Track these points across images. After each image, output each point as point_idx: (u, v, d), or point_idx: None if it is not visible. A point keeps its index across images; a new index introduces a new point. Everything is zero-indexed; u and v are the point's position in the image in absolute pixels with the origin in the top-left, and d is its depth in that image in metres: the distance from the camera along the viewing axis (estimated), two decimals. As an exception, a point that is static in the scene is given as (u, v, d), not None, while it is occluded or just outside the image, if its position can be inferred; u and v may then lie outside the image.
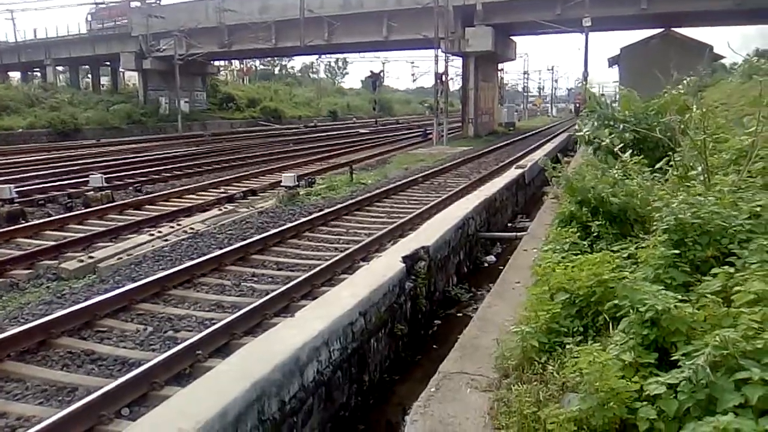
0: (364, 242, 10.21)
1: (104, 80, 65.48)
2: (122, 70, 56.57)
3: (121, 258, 9.77)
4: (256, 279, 8.68)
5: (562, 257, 4.89)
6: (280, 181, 15.81)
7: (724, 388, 2.53)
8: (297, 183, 15.82)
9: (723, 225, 3.94)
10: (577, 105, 75.31)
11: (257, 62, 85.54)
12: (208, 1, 42.71)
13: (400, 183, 17.37)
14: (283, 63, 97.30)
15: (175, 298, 7.82)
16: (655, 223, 4.45)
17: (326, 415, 5.38)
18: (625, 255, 4.52)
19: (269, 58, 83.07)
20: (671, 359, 2.90)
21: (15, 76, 63.05)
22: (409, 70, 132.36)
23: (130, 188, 17.73)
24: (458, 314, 8.65)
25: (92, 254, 9.85)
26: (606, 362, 2.89)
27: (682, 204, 4.10)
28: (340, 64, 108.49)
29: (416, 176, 18.95)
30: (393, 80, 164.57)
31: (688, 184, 4.87)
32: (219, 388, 4.22)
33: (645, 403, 2.70)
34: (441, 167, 21.59)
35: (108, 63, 58.94)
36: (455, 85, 47.72)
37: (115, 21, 49.63)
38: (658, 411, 2.63)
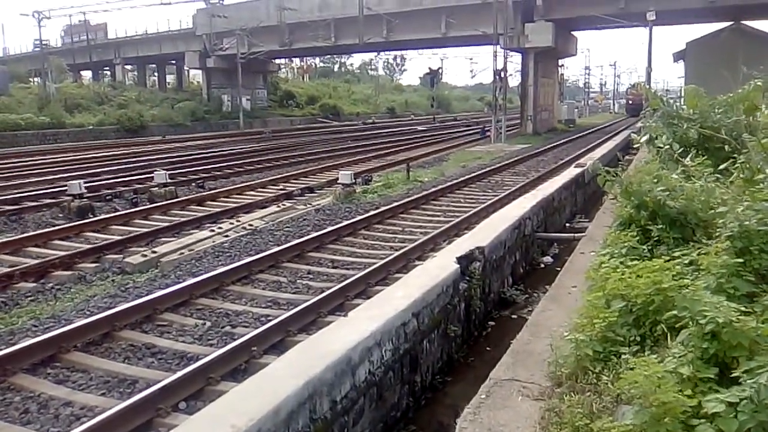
0: (419, 241, 10.20)
1: (169, 78, 67.58)
2: (187, 68, 58.21)
3: (182, 253, 10.06)
4: (311, 276, 8.79)
5: (620, 262, 4.75)
6: (338, 179, 15.96)
7: (789, 410, 2.42)
8: (354, 180, 15.96)
9: (792, 233, 3.75)
10: (630, 102, 70.09)
11: (317, 60, 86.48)
12: (269, 1, 43.48)
13: (456, 181, 17.28)
14: (342, 60, 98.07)
15: (233, 294, 8.00)
16: (718, 228, 4.27)
17: (377, 415, 5.41)
18: (686, 261, 4.37)
19: (328, 56, 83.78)
20: (732, 375, 2.78)
21: (86, 75, 65.77)
22: (467, 67, 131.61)
23: (193, 184, 18.24)
24: (513, 316, 8.54)
25: (155, 249, 10.18)
26: (662, 375, 2.80)
27: (747, 210, 3.92)
28: (398, 60, 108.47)
29: (473, 174, 18.82)
30: (451, 77, 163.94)
31: (755, 188, 4.65)
32: (272, 385, 4.29)
33: (703, 420, 2.60)
34: (498, 165, 21.38)
35: (173, 62, 60.80)
36: (514, 81, 47.07)
37: (79, 36, 57.55)
38: (717, 430, 2.53)
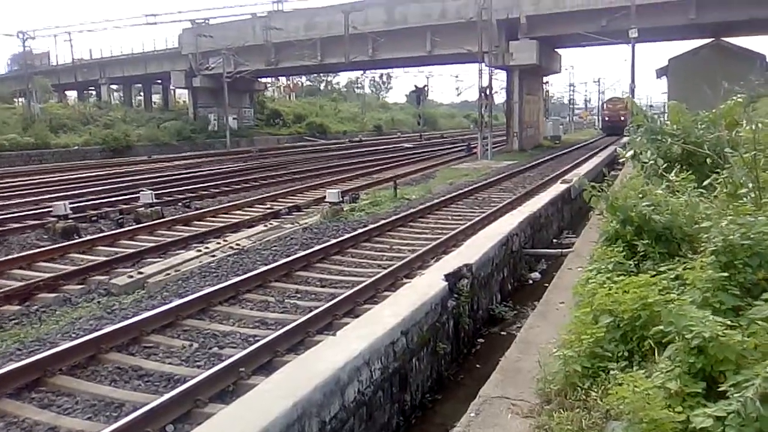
0: (407, 259, 10.19)
1: (155, 98, 67.51)
2: (173, 87, 58.21)
3: (169, 274, 9.99)
4: (299, 296, 8.75)
5: (607, 278, 4.77)
6: (325, 197, 15.97)
7: (776, 423, 2.43)
8: (341, 199, 15.97)
9: (775, 246, 3.79)
10: (606, 120, 63.13)
11: (303, 78, 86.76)
12: (256, 20, 43.76)
13: (444, 198, 17.31)
14: (329, 79, 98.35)
15: (221, 315, 7.94)
16: (703, 243, 4.32)
17: (367, 435, 5.37)
18: (672, 276, 4.39)
19: (315, 75, 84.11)
20: (719, 389, 2.80)
21: (72, 95, 65.58)
22: (453, 84, 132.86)
23: (180, 204, 18.13)
24: (502, 333, 8.54)
25: (142, 270, 10.11)
26: (650, 390, 2.81)
27: (731, 224, 3.97)
28: (384, 79, 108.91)
29: (460, 191, 18.88)
30: (437, 94, 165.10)
31: (738, 203, 4.71)
32: (261, 407, 4.26)
33: (691, 435, 2.61)
34: (485, 182, 21.48)
35: (159, 81, 60.81)
36: (500, 98, 47.45)
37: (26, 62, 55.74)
38: (705, 445, 2.55)
